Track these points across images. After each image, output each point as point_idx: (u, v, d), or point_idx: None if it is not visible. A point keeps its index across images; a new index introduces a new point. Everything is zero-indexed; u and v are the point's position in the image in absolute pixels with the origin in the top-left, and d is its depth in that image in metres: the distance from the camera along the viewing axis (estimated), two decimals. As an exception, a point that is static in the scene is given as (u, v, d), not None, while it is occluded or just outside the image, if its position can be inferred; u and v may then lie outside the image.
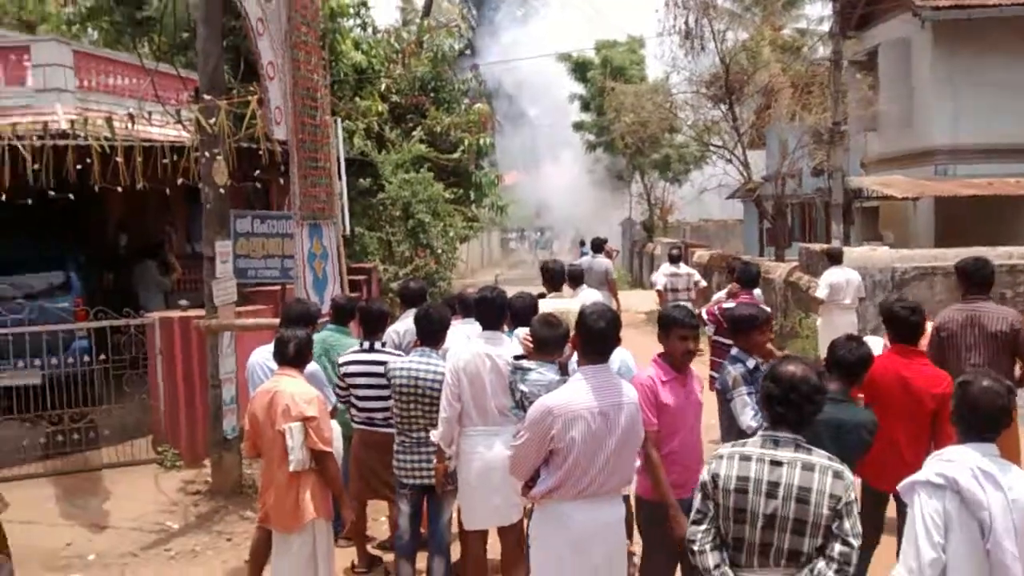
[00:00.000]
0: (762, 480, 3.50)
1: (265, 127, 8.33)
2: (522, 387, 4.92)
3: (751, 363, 5.29)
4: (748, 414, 5.08)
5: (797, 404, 3.58)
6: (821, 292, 11.98)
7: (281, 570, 5.25)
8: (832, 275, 12.01)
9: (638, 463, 4.67)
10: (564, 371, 5.02)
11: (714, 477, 3.59)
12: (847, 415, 4.67)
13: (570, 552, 4.28)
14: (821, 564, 3.43)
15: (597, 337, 4.36)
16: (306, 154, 8.75)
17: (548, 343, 5.00)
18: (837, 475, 3.47)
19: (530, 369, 4.97)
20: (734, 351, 5.49)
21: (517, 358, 5.19)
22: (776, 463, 3.51)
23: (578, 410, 4.22)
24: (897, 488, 3.75)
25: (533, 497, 4.39)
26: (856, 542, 3.42)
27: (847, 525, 3.42)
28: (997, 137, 19.50)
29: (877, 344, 6.28)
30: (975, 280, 6.62)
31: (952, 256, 8.03)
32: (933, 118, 20.42)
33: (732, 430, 5.24)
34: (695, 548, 3.60)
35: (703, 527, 3.60)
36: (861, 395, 5.41)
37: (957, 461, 3.58)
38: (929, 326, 6.42)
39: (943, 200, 19.40)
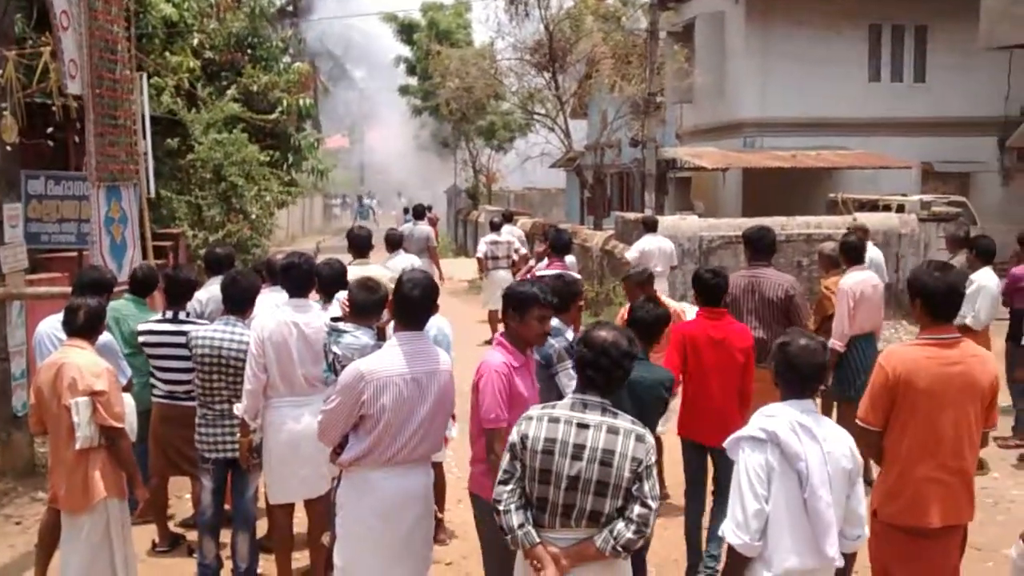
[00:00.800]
0: (568, 442, 3.52)
1: (59, 81, 7.88)
2: (335, 349, 4.79)
3: (569, 335, 5.20)
4: (575, 386, 5.02)
5: (607, 369, 3.63)
6: (630, 255, 12.33)
7: (70, 554, 4.90)
8: (645, 242, 12.38)
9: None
10: (382, 336, 4.90)
11: (523, 438, 3.58)
12: (645, 372, 4.79)
13: (378, 521, 4.21)
14: (620, 525, 3.49)
15: (412, 304, 4.27)
16: (104, 110, 8.28)
17: (365, 307, 4.88)
18: (639, 439, 3.53)
19: (345, 331, 4.84)
20: (554, 322, 5.04)
21: (335, 319, 5.05)
22: (583, 426, 3.54)
23: (390, 376, 4.14)
24: (723, 445, 3.86)
25: (342, 464, 4.27)
26: (654, 504, 3.50)
27: (646, 488, 3.49)
28: (802, 110, 20.57)
29: (691, 311, 6.55)
30: (758, 247, 6.96)
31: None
32: (744, 91, 21.31)
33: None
34: (500, 508, 3.59)
35: (509, 487, 3.60)
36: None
37: (777, 416, 3.72)
38: None
39: (750, 171, 20.33)
